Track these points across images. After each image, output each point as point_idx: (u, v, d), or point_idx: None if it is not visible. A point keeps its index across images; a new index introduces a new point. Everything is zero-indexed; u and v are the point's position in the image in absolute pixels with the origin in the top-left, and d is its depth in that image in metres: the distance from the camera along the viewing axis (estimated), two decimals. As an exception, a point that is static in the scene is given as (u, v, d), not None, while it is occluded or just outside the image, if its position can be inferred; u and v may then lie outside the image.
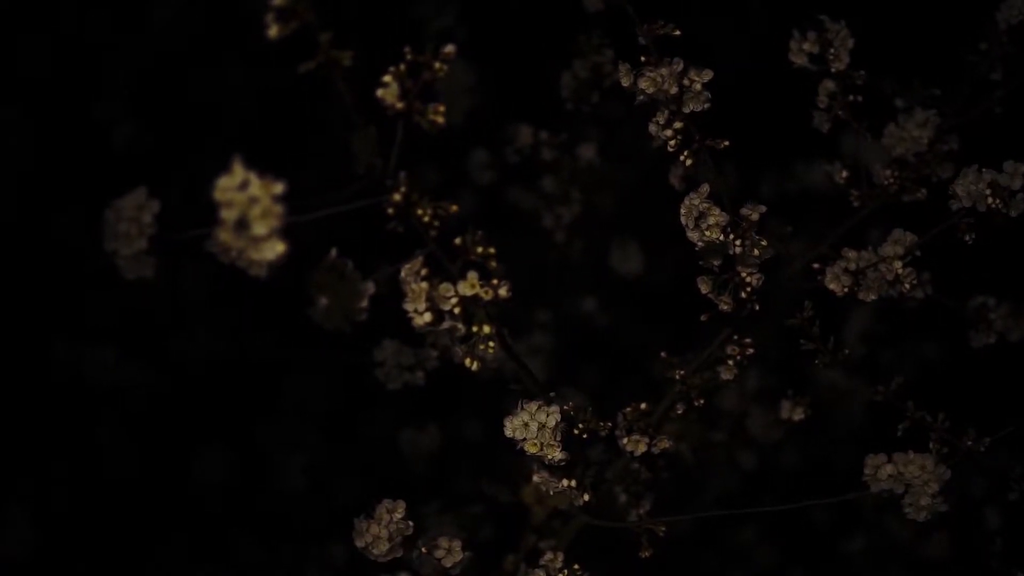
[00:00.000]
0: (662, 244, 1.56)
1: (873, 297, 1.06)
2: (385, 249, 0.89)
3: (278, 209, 0.72)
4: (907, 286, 1.05)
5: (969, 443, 1.05)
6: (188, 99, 1.68)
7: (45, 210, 1.57)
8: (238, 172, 0.71)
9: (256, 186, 0.71)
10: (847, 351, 1.08)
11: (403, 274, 0.87)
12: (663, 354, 1.10)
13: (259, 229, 0.72)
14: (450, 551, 1.02)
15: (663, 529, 1.06)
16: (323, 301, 0.87)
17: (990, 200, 1.01)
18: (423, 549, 1.01)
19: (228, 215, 0.72)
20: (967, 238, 1.04)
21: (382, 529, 0.99)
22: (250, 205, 0.71)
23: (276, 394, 1.66)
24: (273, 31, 0.76)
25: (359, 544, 0.99)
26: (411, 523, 0.99)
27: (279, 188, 0.71)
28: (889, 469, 1.02)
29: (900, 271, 1.04)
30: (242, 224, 0.72)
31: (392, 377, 1.25)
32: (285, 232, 0.80)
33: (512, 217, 1.54)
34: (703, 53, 0.99)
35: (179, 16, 1.66)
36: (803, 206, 1.60)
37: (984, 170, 1.02)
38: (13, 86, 1.63)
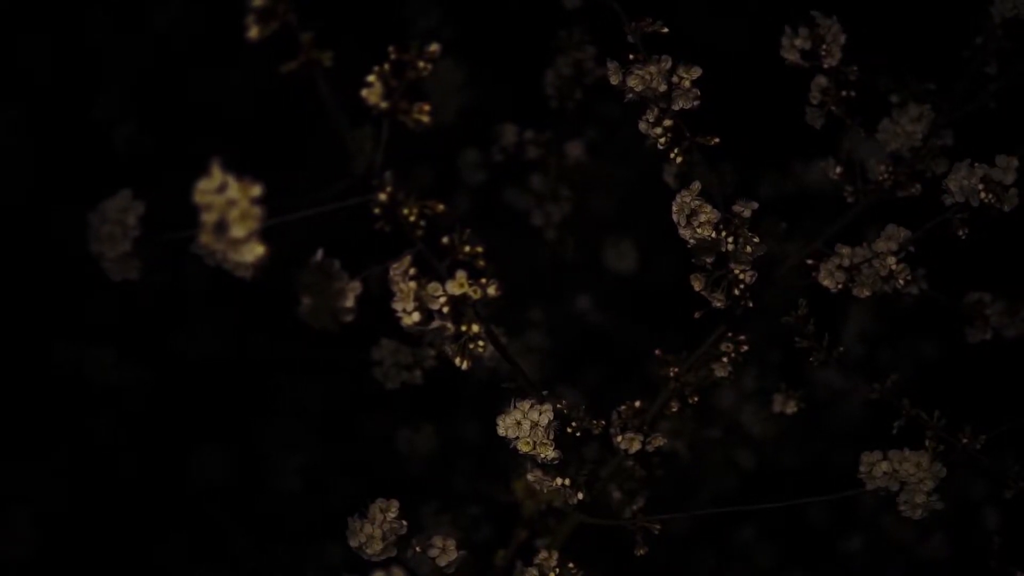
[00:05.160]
0: (658, 242, 1.56)
1: (867, 293, 1.06)
2: (383, 248, 0.89)
3: (257, 211, 0.72)
4: (901, 282, 1.04)
5: (965, 441, 1.04)
6: (188, 99, 1.68)
7: (45, 209, 1.57)
8: (216, 175, 0.71)
9: (234, 188, 0.71)
10: (841, 348, 1.08)
11: (391, 274, 0.87)
12: (657, 352, 1.10)
13: (238, 231, 0.71)
14: (444, 550, 1.02)
15: (658, 527, 1.06)
16: (308, 301, 0.86)
17: (983, 195, 1.00)
18: (417, 548, 1.01)
19: (208, 218, 0.72)
20: (960, 233, 1.03)
21: (376, 529, 0.99)
22: (228, 207, 0.71)
23: (273, 394, 1.66)
24: (253, 32, 0.76)
25: (353, 543, 0.99)
26: (405, 522, 0.99)
27: (257, 190, 0.71)
28: (884, 467, 1.02)
29: (894, 267, 1.04)
30: (221, 227, 0.72)
31: (390, 376, 1.25)
32: (279, 231, 0.80)
33: (508, 216, 1.54)
34: (700, 51, 0.98)
35: (179, 16, 1.66)
36: (801, 205, 1.59)
37: (977, 164, 1.01)
38: (13, 86, 1.63)
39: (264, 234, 0.76)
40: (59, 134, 1.63)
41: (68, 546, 1.55)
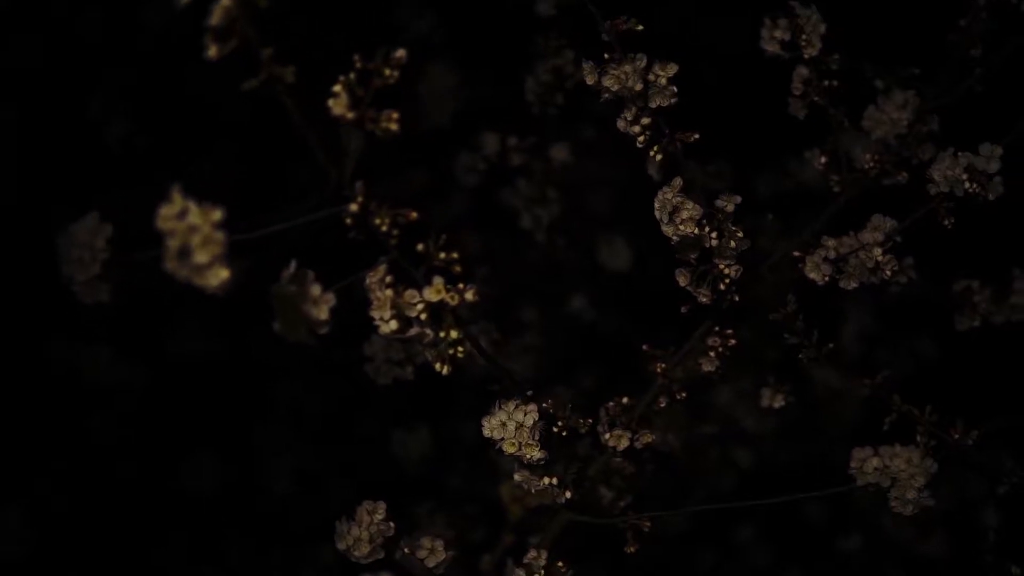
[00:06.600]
0: (655, 239, 1.54)
1: (854, 285, 1.04)
2: (377, 254, 0.88)
3: (220, 236, 0.71)
4: (888, 272, 1.03)
5: (956, 436, 1.03)
6: (182, 98, 1.67)
7: (40, 209, 1.57)
8: (177, 200, 0.71)
9: (195, 214, 0.70)
10: (831, 345, 1.06)
11: (368, 282, 0.87)
12: (645, 347, 1.09)
13: (201, 257, 0.71)
14: (433, 551, 1.01)
15: (648, 524, 1.06)
16: (282, 314, 0.86)
17: (967, 185, 0.99)
18: (406, 550, 1.01)
19: (171, 244, 0.71)
20: (946, 223, 1.02)
21: (363, 531, 0.98)
22: (191, 234, 0.71)
23: (268, 395, 1.65)
24: (212, 51, 0.75)
25: (341, 546, 0.99)
26: (392, 524, 0.99)
27: (218, 215, 0.71)
28: (875, 462, 1.01)
29: (880, 258, 1.02)
30: (185, 252, 0.71)
31: (382, 372, 1.24)
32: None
33: (506, 217, 1.53)
34: (699, 51, 0.97)
35: (173, 15, 1.65)
36: (798, 201, 1.57)
37: (960, 154, 1.00)
38: (7, 86, 1.63)
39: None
40: (53, 134, 1.63)
41: (64, 547, 1.56)
